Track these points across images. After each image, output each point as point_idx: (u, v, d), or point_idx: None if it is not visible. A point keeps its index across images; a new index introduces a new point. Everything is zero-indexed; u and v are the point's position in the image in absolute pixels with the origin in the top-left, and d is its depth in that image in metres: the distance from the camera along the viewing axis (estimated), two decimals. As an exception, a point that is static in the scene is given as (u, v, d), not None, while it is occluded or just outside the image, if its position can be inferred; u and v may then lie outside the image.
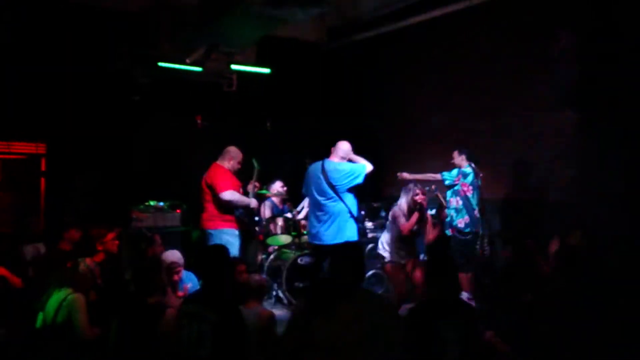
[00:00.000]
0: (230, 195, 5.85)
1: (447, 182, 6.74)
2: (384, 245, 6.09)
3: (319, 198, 5.98)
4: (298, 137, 9.72)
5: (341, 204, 5.89)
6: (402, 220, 5.97)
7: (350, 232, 5.90)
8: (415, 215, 5.89)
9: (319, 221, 5.99)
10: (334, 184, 5.88)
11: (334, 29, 8.67)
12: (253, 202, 6.25)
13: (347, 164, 5.98)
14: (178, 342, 3.34)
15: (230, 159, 6.12)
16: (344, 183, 5.87)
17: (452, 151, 6.93)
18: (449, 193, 6.78)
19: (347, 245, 3.48)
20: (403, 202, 6.04)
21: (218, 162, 6.12)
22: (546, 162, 6.95)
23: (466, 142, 7.26)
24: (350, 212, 5.91)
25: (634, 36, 5.02)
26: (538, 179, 7.05)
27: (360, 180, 5.90)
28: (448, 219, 6.80)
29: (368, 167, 5.95)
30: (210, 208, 5.93)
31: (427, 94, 8.59)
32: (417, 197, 5.95)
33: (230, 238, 5.84)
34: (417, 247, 6.21)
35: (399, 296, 5.87)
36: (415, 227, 5.97)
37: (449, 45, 7.67)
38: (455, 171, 6.71)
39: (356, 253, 3.26)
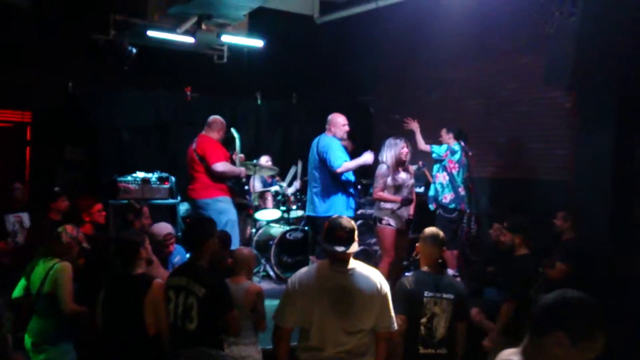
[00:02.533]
0: (222, 166, 5.92)
1: (434, 156, 6.75)
2: (379, 206, 6.02)
3: (312, 171, 6.03)
4: (288, 111, 9.67)
5: (332, 177, 5.89)
6: (380, 181, 5.85)
7: (342, 206, 5.90)
8: (397, 198, 5.74)
9: (313, 193, 6.02)
10: (323, 157, 5.89)
11: (326, 2, 8.54)
12: (243, 172, 6.32)
13: (338, 146, 5.93)
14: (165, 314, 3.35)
15: (218, 129, 6.15)
16: (328, 159, 5.87)
17: (442, 128, 6.93)
18: (435, 167, 6.79)
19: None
20: (390, 155, 5.85)
21: (205, 134, 6.12)
22: (537, 141, 6.97)
23: (457, 119, 7.24)
24: (342, 185, 5.89)
25: (631, 13, 4.99)
26: (529, 158, 7.07)
27: (328, 164, 5.84)
28: (432, 193, 6.80)
29: (340, 169, 5.81)
30: (204, 178, 5.96)
31: (419, 71, 8.54)
32: (404, 150, 5.82)
33: (226, 205, 5.99)
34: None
35: (387, 263, 5.85)
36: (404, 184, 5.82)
37: (443, 21, 7.58)
38: (444, 146, 6.71)
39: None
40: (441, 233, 3.76)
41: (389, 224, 5.85)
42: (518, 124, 7.18)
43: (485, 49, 7.54)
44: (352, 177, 6.05)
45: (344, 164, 5.83)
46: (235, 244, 5.53)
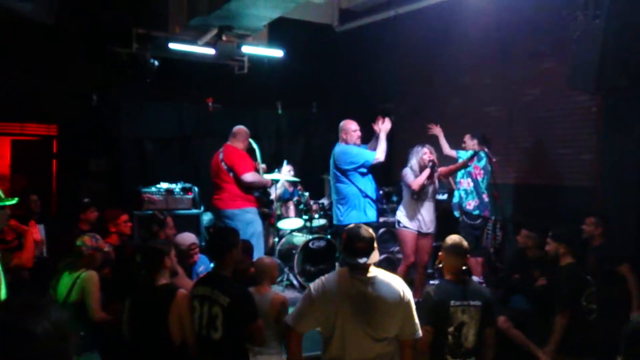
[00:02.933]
0: (251, 177, 5.95)
1: (460, 161, 6.66)
2: (400, 209, 6.04)
3: (332, 181, 6.01)
4: (309, 120, 9.69)
5: (352, 186, 5.86)
6: (411, 177, 5.88)
7: (365, 213, 5.85)
8: (427, 171, 5.77)
9: (335, 203, 6.02)
10: (340, 166, 5.88)
11: (345, 10, 8.57)
12: (269, 182, 6.37)
13: (355, 148, 5.91)
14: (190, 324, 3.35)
15: (243, 139, 6.18)
16: (349, 167, 5.84)
17: (465, 134, 6.86)
18: (459, 174, 6.70)
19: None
20: (414, 162, 5.92)
21: (231, 144, 6.13)
22: (562, 147, 6.86)
23: (479, 125, 7.18)
24: (363, 193, 5.86)
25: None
26: (554, 164, 6.97)
27: (362, 166, 5.82)
28: (457, 200, 6.74)
29: (378, 156, 5.80)
30: (232, 189, 5.98)
31: (440, 77, 8.49)
32: (425, 156, 5.86)
33: (253, 216, 6.03)
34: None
35: (405, 266, 5.88)
36: (428, 185, 5.84)
37: (464, 27, 7.55)
38: (471, 152, 6.64)
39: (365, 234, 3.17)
40: (464, 242, 3.71)
41: (407, 227, 5.87)
42: (542, 129, 7.08)
43: (508, 54, 7.46)
44: (372, 183, 6.02)
45: (378, 153, 5.82)
46: (259, 255, 5.53)
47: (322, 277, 3.23)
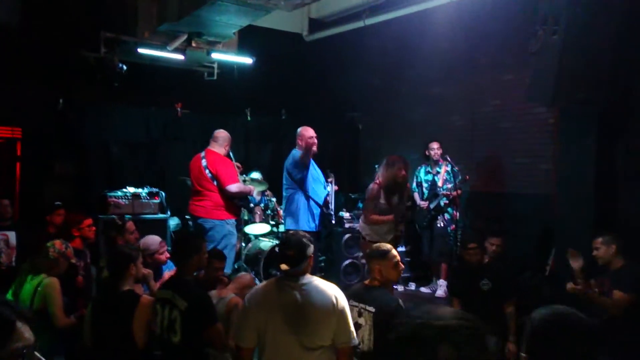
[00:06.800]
0: (236, 188, 5.90)
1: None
2: (362, 221, 5.90)
3: (284, 186, 6.10)
4: (278, 127, 9.76)
5: (298, 193, 5.94)
6: (370, 205, 5.61)
7: (304, 221, 5.92)
8: (389, 218, 5.54)
9: (285, 211, 6.09)
10: (290, 172, 5.98)
11: (315, 20, 8.69)
12: (252, 189, 6.31)
13: (298, 153, 5.98)
14: (153, 328, 3.38)
15: (225, 144, 6.11)
16: (292, 172, 5.93)
17: (428, 144, 7.14)
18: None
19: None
20: (384, 175, 5.54)
21: (213, 149, 6.05)
22: (521, 156, 7.08)
23: (442, 135, 7.37)
24: (309, 200, 5.92)
25: (611, 31, 5.13)
26: (513, 173, 7.19)
27: (291, 171, 5.90)
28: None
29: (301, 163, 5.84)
30: (215, 198, 5.88)
31: (406, 87, 8.66)
32: (401, 173, 5.50)
33: (231, 228, 5.97)
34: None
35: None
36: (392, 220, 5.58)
37: (429, 38, 7.73)
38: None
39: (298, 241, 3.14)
40: (381, 247, 3.78)
41: (371, 240, 5.64)
42: (502, 139, 7.31)
43: (471, 66, 7.68)
44: (321, 192, 6.07)
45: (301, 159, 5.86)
46: (228, 266, 5.56)
47: (256, 286, 3.27)
